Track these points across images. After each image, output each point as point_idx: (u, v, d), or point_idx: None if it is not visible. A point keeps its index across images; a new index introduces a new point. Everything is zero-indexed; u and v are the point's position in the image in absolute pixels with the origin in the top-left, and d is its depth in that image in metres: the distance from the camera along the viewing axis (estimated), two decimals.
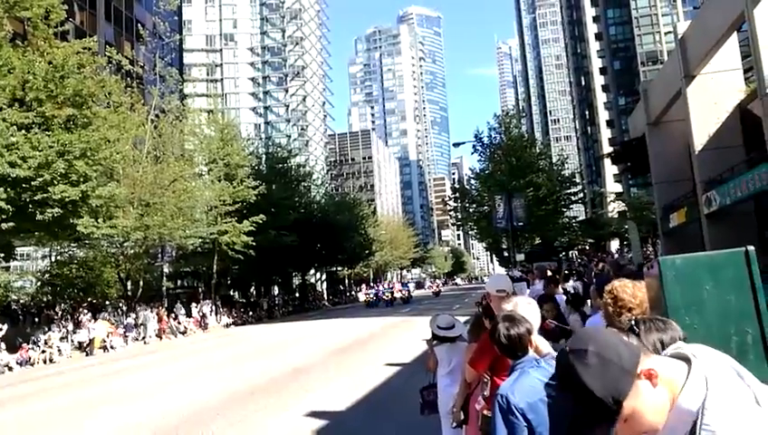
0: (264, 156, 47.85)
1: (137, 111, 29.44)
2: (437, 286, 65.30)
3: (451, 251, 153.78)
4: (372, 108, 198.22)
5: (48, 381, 16.06)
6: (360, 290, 53.63)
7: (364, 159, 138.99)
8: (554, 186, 42.66)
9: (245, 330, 30.72)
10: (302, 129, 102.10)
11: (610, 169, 67.93)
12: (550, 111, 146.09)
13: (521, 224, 32.73)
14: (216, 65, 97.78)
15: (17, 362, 20.13)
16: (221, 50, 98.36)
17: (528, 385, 2.48)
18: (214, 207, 34.29)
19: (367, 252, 62.36)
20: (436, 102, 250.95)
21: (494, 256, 70.06)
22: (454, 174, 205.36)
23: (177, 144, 34.64)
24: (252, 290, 50.56)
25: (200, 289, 39.53)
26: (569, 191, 45.51)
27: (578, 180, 47.11)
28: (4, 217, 20.34)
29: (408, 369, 11.79)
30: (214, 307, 35.19)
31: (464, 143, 41.84)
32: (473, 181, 48.53)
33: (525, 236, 42.02)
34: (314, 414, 8.64)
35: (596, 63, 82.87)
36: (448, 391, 4.79)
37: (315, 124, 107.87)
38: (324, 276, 68.69)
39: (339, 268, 65.88)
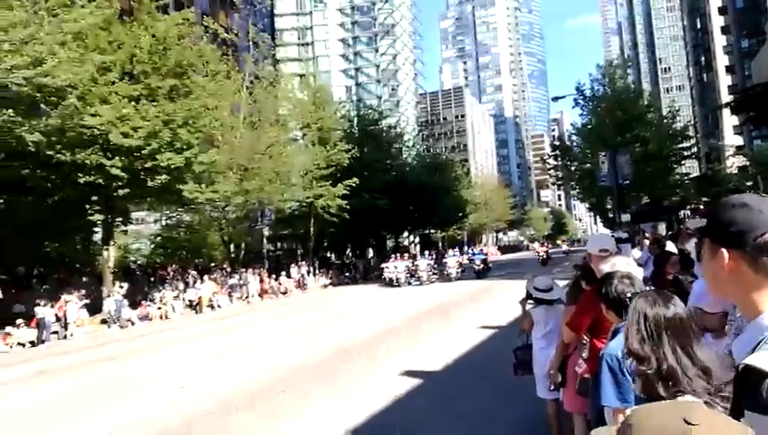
0: (355, 118, 47.97)
1: (233, 79, 30.26)
2: (545, 250, 43.60)
3: (551, 212, 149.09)
4: (465, 63, 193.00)
5: (165, 335, 17.60)
6: (392, 259, 32.51)
7: (457, 117, 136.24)
8: (664, 140, 39.61)
9: (342, 291, 31.44)
10: (392, 89, 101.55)
11: (730, 121, 62.19)
12: (659, 59, 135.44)
13: (627, 182, 30.75)
14: (307, 28, 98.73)
15: (138, 318, 21.73)
16: (311, 12, 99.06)
17: None
18: (309, 171, 34.95)
19: (460, 214, 61.60)
20: (533, 55, 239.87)
21: (597, 216, 67.01)
22: (553, 130, 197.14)
23: (271, 110, 35.41)
24: (348, 252, 51.62)
25: (299, 251, 40.88)
26: (680, 146, 42.10)
27: (691, 134, 43.52)
28: (120, 184, 21.79)
29: (503, 332, 11.44)
30: (312, 269, 36.26)
31: (564, 97, 39.62)
32: (574, 137, 46.19)
33: (632, 195, 39.56)
34: (407, 374, 8.59)
35: (714, 2, 75.27)
36: (544, 353, 4.74)
37: (406, 84, 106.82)
38: (418, 239, 68.91)
39: (432, 231, 65.72)
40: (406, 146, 54.15)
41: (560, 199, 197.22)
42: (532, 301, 5.06)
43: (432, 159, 61.37)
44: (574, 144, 45.98)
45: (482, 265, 31.92)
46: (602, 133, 38.39)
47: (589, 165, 40.34)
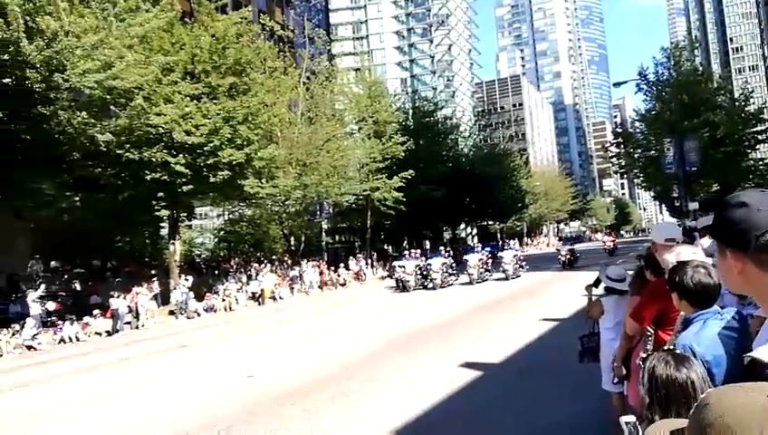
0: (410, 111, 47.91)
1: (290, 75, 30.79)
2: (612, 240, 40.96)
3: (614, 202, 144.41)
4: (522, 51, 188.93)
5: (230, 326, 18.24)
6: (409, 256, 26.15)
7: (514, 106, 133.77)
8: (736, 124, 37.57)
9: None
10: (447, 79, 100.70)
11: None
12: (730, 39, 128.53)
13: (694, 169, 29.45)
14: (361, 22, 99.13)
15: (204, 309, 22.55)
16: (365, 6, 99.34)
17: (711, 337, 2.23)
18: (365, 164, 35.21)
19: (519, 205, 60.58)
20: (592, 40, 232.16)
21: (662, 205, 64.43)
22: (615, 117, 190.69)
23: (328, 104, 35.85)
24: (404, 244, 51.76)
25: (356, 244, 41.31)
26: (754, 130, 39.85)
27: (766, 116, 41.14)
28: (184, 180, 22.59)
29: (566, 323, 11.23)
30: (369, 261, 36.56)
31: (626, 82, 38.11)
32: (637, 124, 44.57)
33: (700, 183, 37.86)
34: (469, 364, 8.59)
35: None
36: (611, 344, 4.62)
37: (461, 74, 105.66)
38: (475, 230, 68.23)
39: (490, 222, 64.94)
40: (462, 137, 53.66)
41: (623, 188, 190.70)
42: (600, 288, 4.99)
43: (489, 150, 60.55)
44: (637, 131, 44.36)
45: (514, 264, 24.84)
46: (667, 118, 36.84)
47: (653, 152, 38.87)
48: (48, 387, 10.41)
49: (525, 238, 75.75)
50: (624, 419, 1.79)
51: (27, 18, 15.16)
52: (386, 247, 48.77)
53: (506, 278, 24.03)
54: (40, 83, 15.94)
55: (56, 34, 15.75)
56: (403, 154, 36.06)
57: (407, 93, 65.88)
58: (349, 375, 8.77)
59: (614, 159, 49.17)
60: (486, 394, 7.28)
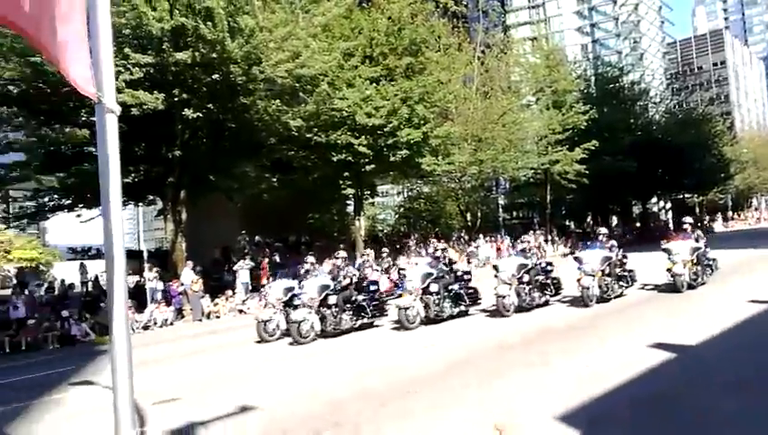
0: (592, 78, 44.92)
1: (464, 50, 30.69)
2: None
3: None
4: (724, 2, 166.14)
5: None
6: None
7: (715, 65, 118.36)
8: None
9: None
10: (634, 42, 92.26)
11: None
12: None
13: None
14: None
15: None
16: None
17: None
18: (543, 136, 33.92)
19: (722, 175, 53.81)
20: None
21: None
22: None
23: (503, 77, 35.08)
24: (588, 220, 49.13)
25: (535, 219, 40.16)
26: None
27: None
28: (366, 160, 23.84)
29: None
30: (549, 237, 35.36)
31: None
32: None
33: None
34: (659, 345, 7.92)
35: None
36: None
37: (650, 34, 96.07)
38: (669, 204, 62.20)
39: (687, 195, 58.69)
40: (652, 102, 49.01)
41: None
42: None
43: (685, 115, 54.46)
44: None
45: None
46: None
47: None
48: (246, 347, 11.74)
49: (730, 212, 67.20)
50: None
51: (230, 19, 17.00)
52: (567, 223, 46.71)
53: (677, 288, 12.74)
54: (241, 77, 17.84)
55: (253, 31, 17.48)
56: (585, 124, 34.02)
57: (588, 60, 61.83)
58: (527, 346, 8.67)
59: None
60: (679, 377, 6.67)
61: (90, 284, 23.80)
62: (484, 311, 12.78)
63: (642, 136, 41.43)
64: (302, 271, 13.02)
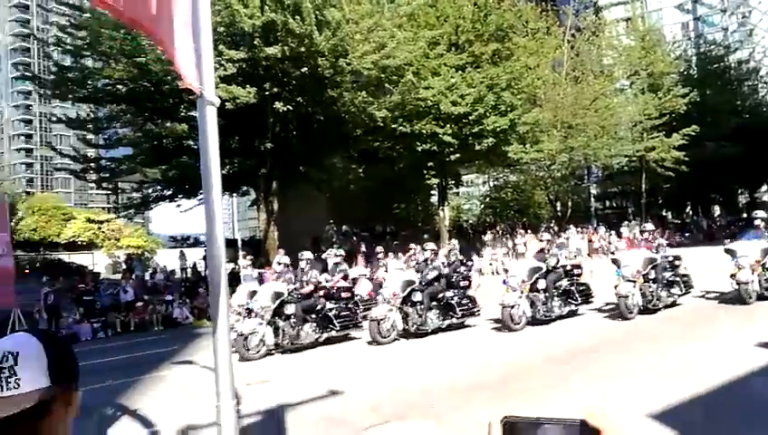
0: (693, 58, 42.01)
1: (552, 34, 29.67)
2: None
3: None
4: None
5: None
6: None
7: None
8: None
9: (683, 253, 28.37)
10: (742, 16, 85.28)
11: None
12: None
13: None
14: None
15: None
16: None
17: None
18: (638, 122, 32.22)
19: None
20: None
21: None
22: None
23: (595, 61, 33.59)
24: (687, 210, 46.24)
25: (629, 209, 38.31)
26: None
27: None
28: (451, 149, 23.69)
29: None
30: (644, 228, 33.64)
31: None
32: None
33: None
34: None
35: None
36: None
37: (762, 7, 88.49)
38: None
39: None
40: (763, 82, 45.21)
41: None
42: None
43: None
44: None
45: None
46: None
47: None
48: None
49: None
50: None
51: (317, 12, 17.37)
52: (664, 213, 44.20)
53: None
54: (328, 69, 18.22)
55: (339, 24, 17.78)
56: (685, 108, 31.94)
57: (689, 39, 57.95)
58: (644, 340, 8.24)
59: None
60: None
61: (188, 270, 25.27)
62: (599, 310, 11.50)
63: (750, 119, 38.30)
64: (420, 260, 11.90)
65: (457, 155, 24.17)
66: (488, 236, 28.14)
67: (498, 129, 23.32)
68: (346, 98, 19.38)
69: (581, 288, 11.40)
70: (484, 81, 23.05)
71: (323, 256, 21.78)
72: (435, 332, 10.65)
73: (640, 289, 10.30)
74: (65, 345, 1.15)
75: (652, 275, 10.58)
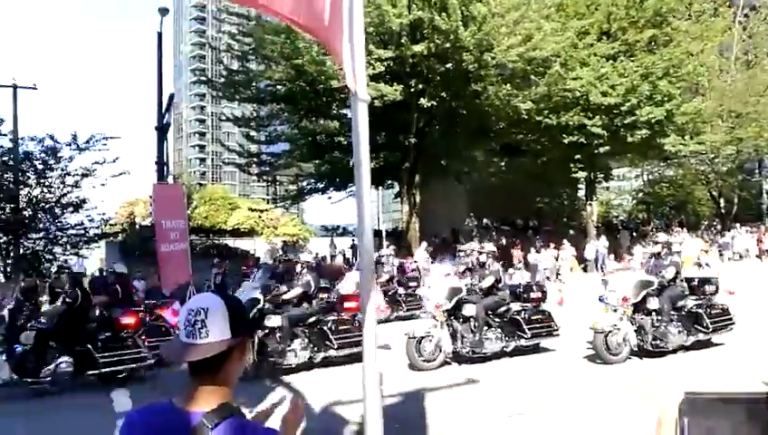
0: None
1: (721, 15, 27.03)
2: None
3: None
4: None
5: None
6: None
7: None
8: None
9: None
10: None
11: None
12: None
13: None
14: None
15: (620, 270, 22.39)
16: None
17: None
18: None
19: None
20: None
21: None
22: None
23: None
24: None
25: None
26: None
27: None
28: (600, 141, 22.73)
29: None
30: None
31: None
32: None
33: None
34: None
35: None
36: None
37: None
38: None
39: None
40: None
41: None
42: None
43: None
44: None
45: None
46: None
47: None
48: None
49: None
50: None
51: (463, 9, 17.66)
52: None
53: None
54: (473, 64, 18.44)
55: (485, 18, 17.91)
56: None
57: None
58: None
59: None
60: None
61: (338, 257, 26.92)
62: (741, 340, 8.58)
63: None
64: (662, 250, 8.92)
65: (607, 147, 23.10)
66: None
67: (653, 120, 21.92)
68: (490, 91, 19.47)
69: (715, 311, 8.51)
70: (638, 70, 21.77)
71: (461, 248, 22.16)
72: (497, 356, 8.39)
73: (631, 322, 7.99)
74: (241, 305, 1.51)
75: (654, 305, 8.09)
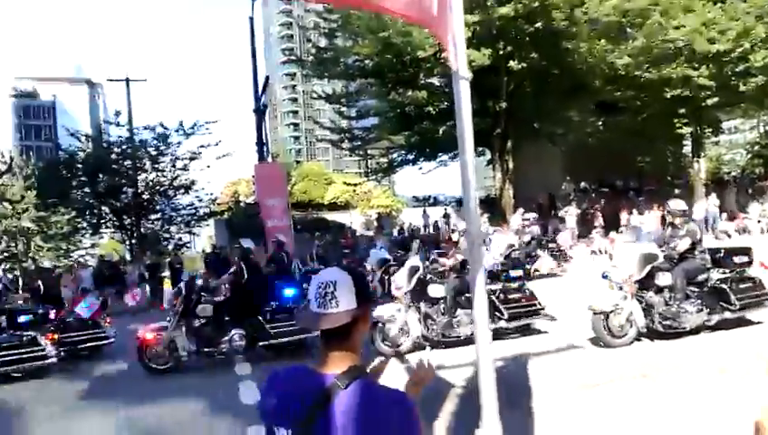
0: None
1: None
2: None
3: None
4: None
5: None
6: None
7: None
8: None
9: None
10: None
11: None
12: None
13: None
14: None
15: (735, 230, 20.87)
16: None
17: None
18: None
19: None
20: None
21: None
22: None
23: None
24: None
25: None
26: None
27: None
28: (708, 93, 21.19)
29: None
30: None
31: None
32: None
33: None
34: None
35: None
36: None
37: None
38: None
39: None
40: None
41: None
42: None
43: None
44: None
45: None
46: None
47: None
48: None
49: None
50: None
51: None
52: None
53: None
54: (564, 21, 17.73)
55: None
56: None
57: None
58: None
59: None
60: None
61: (431, 227, 27.18)
62: None
63: None
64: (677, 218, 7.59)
65: (716, 99, 21.50)
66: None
67: None
68: (583, 48, 18.67)
69: (744, 285, 7.31)
70: (751, 10, 19.95)
71: (560, 214, 21.59)
72: (695, 330, 7.05)
73: (639, 301, 6.98)
74: (364, 277, 1.66)
75: (664, 281, 7.05)
